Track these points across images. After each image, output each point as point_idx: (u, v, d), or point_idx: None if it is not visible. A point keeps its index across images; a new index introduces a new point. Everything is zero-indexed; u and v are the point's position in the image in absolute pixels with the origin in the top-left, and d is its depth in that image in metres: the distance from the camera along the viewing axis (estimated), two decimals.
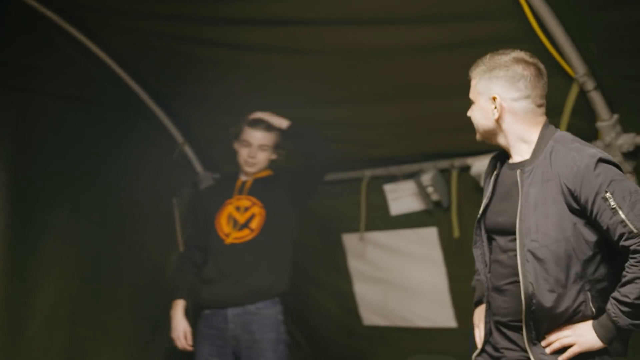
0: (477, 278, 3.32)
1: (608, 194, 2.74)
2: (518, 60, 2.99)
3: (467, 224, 4.78)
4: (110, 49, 5.25)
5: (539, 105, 2.99)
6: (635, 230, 2.70)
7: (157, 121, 5.65)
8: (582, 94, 3.93)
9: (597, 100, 3.92)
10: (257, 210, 4.59)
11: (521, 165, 2.98)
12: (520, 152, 3.01)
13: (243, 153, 4.63)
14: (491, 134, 3.05)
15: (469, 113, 3.13)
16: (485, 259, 3.12)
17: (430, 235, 5.02)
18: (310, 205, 5.47)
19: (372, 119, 4.81)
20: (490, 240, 3.11)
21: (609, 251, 2.85)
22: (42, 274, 4.94)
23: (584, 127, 4.07)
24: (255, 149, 4.62)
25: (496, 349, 3.06)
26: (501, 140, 3.05)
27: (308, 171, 4.71)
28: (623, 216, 2.71)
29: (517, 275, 2.91)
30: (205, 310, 4.60)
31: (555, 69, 3.88)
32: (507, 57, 3.01)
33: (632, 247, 2.72)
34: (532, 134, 2.98)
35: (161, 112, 5.62)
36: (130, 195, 5.45)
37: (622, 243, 2.74)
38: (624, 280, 2.76)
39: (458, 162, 4.73)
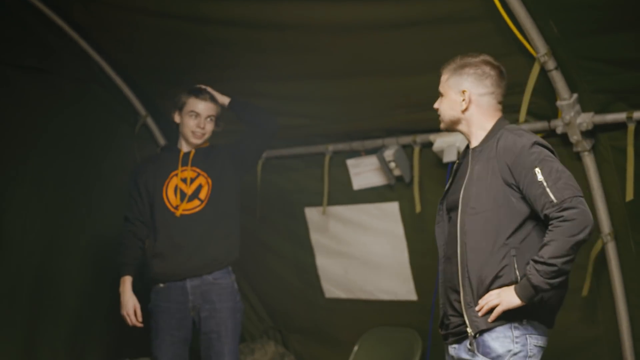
0: None
1: (537, 169, 3.09)
2: (486, 62, 3.34)
3: (429, 199, 4.85)
4: (72, 20, 5.19)
5: (499, 102, 3.36)
6: (555, 200, 3.03)
7: (119, 93, 5.61)
8: (543, 73, 3.99)
9: (558, 80, 3.98)
10: (204, 180, 4.55)
11: (474, 149, 3.34)
12: (478, 139, 3.35)
13: (190, 124, 4.55)
14: (455, 123, 3.38)
15: (437, 105, 3.44)
16: (444, 236, 3.41)
17: (392, 209, 5.07)
18: (273, 179, 5.51)
19: (335, 94, 4.82)
20: (449, 219, 3.39)
21: (540, 225, 3.15)
22: (3, 245, 4.93)
23: (545, 106, 4.15)
24: (204, 119, 4.56)
25: (447, 317, 3.34)
26: (463, 128, 3.38)
27: (253, 140, 4.67)
28: (547, 189, 3.05)
29: None
30: (159, 284, 4.54)
31: (517, 48, 3.94)
32: (476, 58, 3.35)
33: (551, 215, 3.04)
34: (490, 123, 3.33)
35: (124, 84, 5.58)
36: (93, 167, 5.44)
37: (544, 212, 3.06)
38: (542, 244, 3.06)
39: (420, 138, 4.77)
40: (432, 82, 4.36)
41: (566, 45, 3.85)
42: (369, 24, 4.28)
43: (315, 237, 5.53)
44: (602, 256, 4.23)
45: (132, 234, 4.59)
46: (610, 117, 3.99)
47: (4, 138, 4.93)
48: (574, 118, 4.02)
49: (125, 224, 4.62)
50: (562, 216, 3.01)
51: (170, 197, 4.54)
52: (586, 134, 4.06)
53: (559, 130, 4.10)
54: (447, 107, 3.38)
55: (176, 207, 4.52)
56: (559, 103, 4.03)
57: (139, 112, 5.72)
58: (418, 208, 4.83)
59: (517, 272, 3.10)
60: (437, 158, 4.66)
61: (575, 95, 4.01)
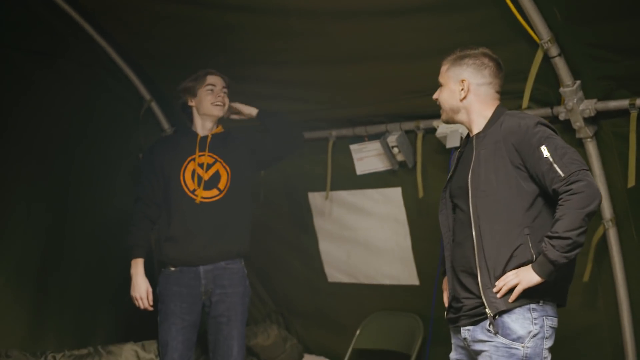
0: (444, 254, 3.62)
1: (543, 147, 3.19)
2: (485, 54, 3.46)
3: (431, 184, 4.87)
4: (77, 5, 5.20)
5: (497, 92, 3.47)
6: (562, 175, 3.12)
7: (124, 78, 5.62)
8: (547, 59, 4.00)
9: (561, 66, 3.99)
10: (221, 168, 4.57)
11: (477, 135, 3.43)
12: (479, 126, 3.44)
13: (208, 98, 4.58)
14: (455, 111, 3.49)
15: (436, 95, 3.55)
16: (448, 223, 3.50)
17: (394, 195, 5.09)
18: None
19: (339, 79, 4.82)
20: (454, 207, 3.48)
21: (549, 203, 3.22)
22: (8, 226, 4.98)
23: (548, 92, 4.16)
24: (220, 90, 4.60)
25: (458, 300, 3.39)
26: (463, 117, 3.49)
27: (276, 147, 4.74)
28: (554, 164, 3.14)
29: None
30: (170, 267, 4.53)
31: (520, 34, 3.94)
32: (476, 50, 3.47)
33: (559, 189, 3.12)
34: (489, 111, 3.44)
35: (128, 68, 5.59)
36: (97, 150, 5.46)
37: (552, 187, 3.15)
38: (554, 220, 3.13)
39: (424, 124, 4.78)
40: (436, 68, 4.34)
41: (569, 31, 3.86)
42: (373, 9, 4.28)
43: (318, 222, 5.55)
44: (604, 242, 4.26)
45: (145, 215, 4.56)
46: (613, 104, 3.99)
47: (9, 121, 4.96)
48: (577, 105, 4.03)
49: (138, 204, 4.58)
50: (570, 189, 3.09)
51: (188, 181, 4.52)
52: (589, 120, 4.07)
53: (562, 117, 4.11)
54: (446, 96, 3.49)
55: (193, 192, 4.51)
56: (562, 90, 4.04)
57: (144, 96, 5.74)
58: (421, 193, 4.85)
59: (532, 251, 3.18)
60: (440, 144, 4.67)
61: (578, 82, 4.01)
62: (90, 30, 5.33)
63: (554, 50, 3.93)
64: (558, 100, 4.14)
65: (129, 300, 4.54)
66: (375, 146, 5.02)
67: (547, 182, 3.16)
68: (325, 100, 5.06)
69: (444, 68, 3.52)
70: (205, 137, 4.62)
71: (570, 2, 3.76)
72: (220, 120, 4.71)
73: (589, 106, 4.02)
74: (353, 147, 5.15)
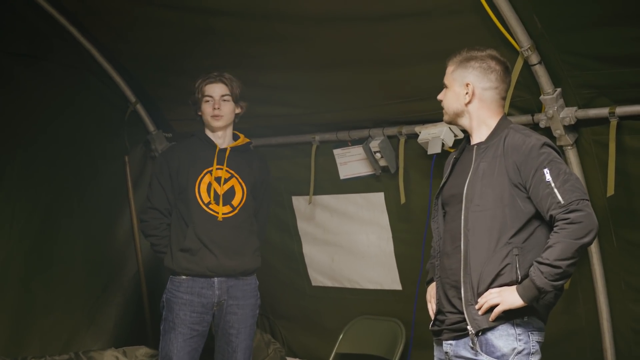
0: (431, 262, 3.57)
1: (546, 170, 3.12)
2: (492, 57, 3.36)
3: (413, 190, 4.88)
4: (62, 7, 5.20)
5: (502, 98, 3.39)
6: (562, 201, 3.06)
7: (109, 80, 5.61)
8: (527, 67, 4.00)
9: (542, 74, 3.99)
10: (237, 184, 4.52)
11: (478, 145, 3.34)
12: (480, 135, 3.36)
13: (207, 109, 4.49)
14: (458, 115, 3.39)
15: (440, 96, 3.43)
16: (439, 232, 3.43)
17: (377, 199, 5.10)
18: None
19: (322, 84, 4.83)
20: (444, 214, 3.42)
21: (543, 225, 3.18)
22: None
23: (529, 100, 4.17)
24: (218, 100, 4.50)
25: (442, 313, 3.35)
26: (465, 122, 3.39)
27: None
28: (555, 189, 3.08)
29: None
30: (182, 275, 4.45)
31: (501, 41, 3.95)
32: (483, 52, 3.37)
33: (556, 216, 3.07)
34: (493, 120, 3.35)
35: (114, 71, 5.58)
36: (83, 152, 5.46)
37: (549, 212, 3.09)
38: (546, 246, 3.08)
39: (406, 129, 4.78)
40: (418, 74, 4.43)
41: (550, 40, 3.86)
42: (356, 15, 4.29)
43: (302, 226, 5.55)
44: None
45: (166, 226, 4.52)
46: (593, 112, 4.00)
47: None
48: (557, 112, 4.03)
49: (156, 214, 4.52)
50: (568, 218, 3.04)
51: (203, 194, 4.45)
52: (569, 128, 4.07)
53: (542, 125, 4.10)
54: (451, 99, 3.38)
55: (207, 205, 4.44)
56: (542, 97, 4.05)
57: (129, 98, 5.73)
58: (403, 199, 4.85)
59: (519, 272, 3.13)
60: (422, 149, 4.67)
61: (558, 90, 4.02)
62: (74, 32, 5.33)
63: (534, 58, 3.94)
64: (539, 107, 4.14)
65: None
66: (358, 151, 5.03)
67: (544, 206, 3.09)
68: (308, 104, 5.06)
69: (449, 69, 3.39)
70: (224, 150, 4.54)
71: (550, 10, 3.76)
72: (236, 128, 4.65)
73: (570, 114, 4.02)
74: (336, 152, 5.16)
